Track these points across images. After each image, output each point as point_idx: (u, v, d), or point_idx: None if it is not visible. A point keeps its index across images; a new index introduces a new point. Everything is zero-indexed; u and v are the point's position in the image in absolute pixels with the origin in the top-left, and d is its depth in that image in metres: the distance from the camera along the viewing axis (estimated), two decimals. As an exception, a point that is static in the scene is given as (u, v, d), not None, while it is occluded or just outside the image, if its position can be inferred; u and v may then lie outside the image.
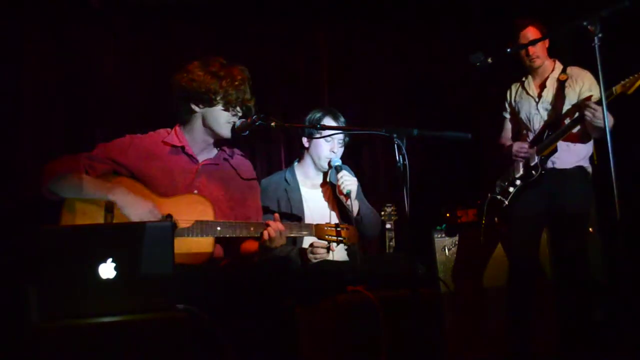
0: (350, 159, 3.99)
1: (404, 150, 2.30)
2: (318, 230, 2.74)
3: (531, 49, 3.40)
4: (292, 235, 2.72)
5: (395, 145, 2.33)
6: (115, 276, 1.90)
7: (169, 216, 2.51)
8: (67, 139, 3.46)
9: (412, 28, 4.21)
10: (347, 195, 2.97)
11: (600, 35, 2.29)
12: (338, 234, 2.74)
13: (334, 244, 2.79)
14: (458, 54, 3.55)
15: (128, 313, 1.90)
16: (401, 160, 2.30)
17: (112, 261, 1.90)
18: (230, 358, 2.11)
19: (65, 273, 1.88)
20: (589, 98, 3.27)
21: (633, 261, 2.76)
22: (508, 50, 3.29)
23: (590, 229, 3.88)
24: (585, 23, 2.33)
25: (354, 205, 3.04)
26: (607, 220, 3.96)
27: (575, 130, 3.31)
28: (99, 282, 1.89)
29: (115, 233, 2.02)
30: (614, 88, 3.11)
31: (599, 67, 2.32)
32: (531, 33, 3.38)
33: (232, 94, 2.64)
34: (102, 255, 1.90)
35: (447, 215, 3.59)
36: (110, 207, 2.49)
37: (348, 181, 3.01)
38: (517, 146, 3.45)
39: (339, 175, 3.04)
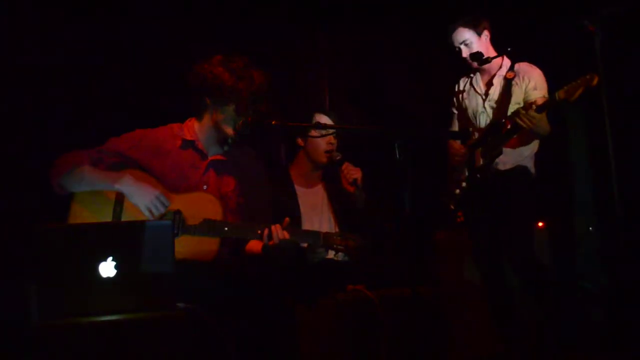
0: (350, 159, 3.99)
1: (405, 149, 2.31)
2: (327, 239, 2.68)
3: (464, 52, 3.31)
4: (298, 242, 2.68)
5: (396, 145, 2.33)
6: (116, 275, 1.90)
7: (178, 212, 2.51)
8: (68, 137, 3.44)
9: (413, 28, 4.21)
10: (354, 184, 2.98)
11: (601, 33, 2.29)
12: (346, 245, 2.67)
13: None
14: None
15: (128, 312, 1.90)
16: (402, 159, 2.31)
17: (113, 260, 1.90)
18: (231, 357, 2.11)
19: (65, 272, 1.88)
20: (528, 106, 3.11)
21: (633, 261, 2.76)
22: (509, 49, 3.30)
23: (590, 228, 3.86)
24: (586, 22, 2.32)
25: (362, 194, 3.04)
26: (607, 220, 3.95)
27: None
28: (100, 280, 1.89)
29: (115, 232, 2.02)
30: (556, 94, 2.97)
31: (600, 65, 2.31)
32: (461, 34, 3.32)
33: (246, 97, 2.59)
34: (103, 253, 1.90)
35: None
36: (120, 200, 2.48)
37: (352, 170, 3.02)
38: (453, 150, 3.41)
39: (343, 166, 3.04)
